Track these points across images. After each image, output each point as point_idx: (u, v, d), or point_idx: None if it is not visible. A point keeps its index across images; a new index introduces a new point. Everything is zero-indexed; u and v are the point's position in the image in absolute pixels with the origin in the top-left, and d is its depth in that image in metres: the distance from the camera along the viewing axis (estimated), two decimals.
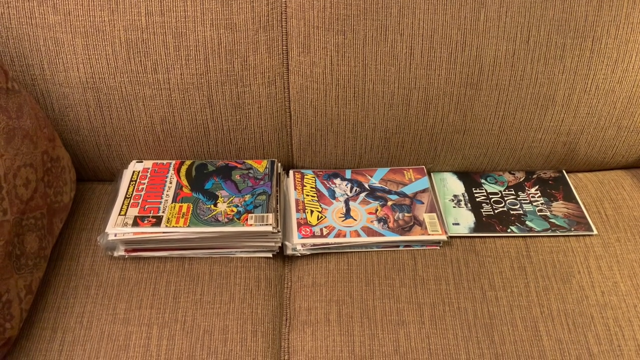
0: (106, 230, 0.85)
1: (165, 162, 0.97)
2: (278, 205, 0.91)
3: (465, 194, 0.99)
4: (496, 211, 0.96)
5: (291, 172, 1.00)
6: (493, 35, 0.87)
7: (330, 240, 0.89)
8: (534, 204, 0.97)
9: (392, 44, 0.87)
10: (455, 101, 0.92)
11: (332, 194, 0.97)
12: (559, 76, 0.91)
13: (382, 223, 0.92)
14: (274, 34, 0.87)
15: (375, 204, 0.95)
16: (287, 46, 0.89)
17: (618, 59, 0.90)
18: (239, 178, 0.94)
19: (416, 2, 0.85)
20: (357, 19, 0.85)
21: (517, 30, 0.87)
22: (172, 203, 0.89)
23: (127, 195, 0.90)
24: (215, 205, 0.89)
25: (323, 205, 0.94)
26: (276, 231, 0.86)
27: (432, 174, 1.03)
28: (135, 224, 0.85)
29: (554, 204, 0.98)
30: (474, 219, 0.95)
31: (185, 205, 0.89)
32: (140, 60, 0.87)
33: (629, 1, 0.86)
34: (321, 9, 0.85)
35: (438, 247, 0.90)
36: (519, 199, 0.98)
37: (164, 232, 0.85)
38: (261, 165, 0.97)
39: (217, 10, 0.85)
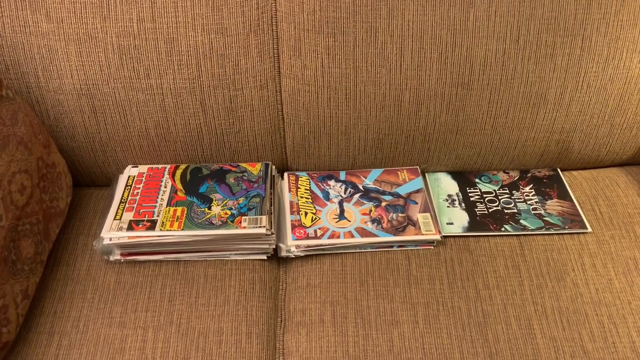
0: (101, 235, 0.86)
1: (160, 166, 0.98)
2: (272, 208, 0.91)
3: (460, 194, 0.99)
4: (490, 210, 0.96)
5: (285, 174, 1.01)
6: (483, 35, 0.87)
7: (324, 241, 0.89)
8: (528, 202, 0.98)
9: (382, 45, 0.87)
10: (447, 101, 0.92)
11: (327, 196, 0.97)
12: (550, 75, 0.91)
13: (375, 224, 0.92)
14: (265, 37, 0.88)
15: (369, 205, 0.95)
16: (278, 49, 0.89)
17: (609, 57, 0.90)
18: (233, 181, 0.95)
19: (405, 4, 0.85)
20: (346, 21, 0.86)
21: (507, 29, 0.87)
22: (166, 207, 0.90)
23: (123, 200, 0.91)
24: (209, 208, 0.90)
25: (317, 207, 0.95)
26: (270, 233, 0.87)
27: (426, 174, 1.03)
28: (130, 228, 0.86)
29: (549, 202, 0.98)
30: (468, 218, 0.95)
31: (179, 209, 0.89)
32: (133, 66, 0.88)
33: None
34: (311, 12, 0.86)
35: (432, 247, 0.91)
36: (513, 197, 0.99)
37: (158, 236, 0.85)
38: (255, 168, 0.98)
39: (208, 15, 0.86)
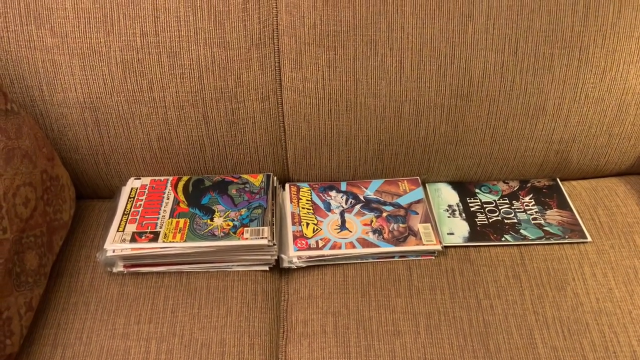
0: (104, 247, 0.87)
1: (162, 178, 0.99)
2: (274, 219, 0.92)
3: (460, 204, 1.00)
4: (490, 220, 0.97)
5: (287, 185, 1.02)
6: (481, 47, 0.88)
7: (325, 252, 0.90)
8: (528, 212, 0.98)
9: (382, 58, 0.89)
10: (447, 112, 0.93)
11: (328, 207, 0.98)
12: (548, 86, 0.92)
13: (377, 234, 0.93)
14: (266, 51, 0.89)
15: (370, 216, 0.96)
16: (279, 63, 0.91)
17: (606, 68, 0.91)
18: (235, 192, 0.96)
19: (404, 17, 0.86)
20: (347, 34, 0.87)
21: (505, 41, 0.88)
22: (169, 218, 0.91)
23: (125, 212, 0.92)
24: (211, 219, 0.90)
25: (319, 218, 0.96)
26: (272, 244, 0.87)
27: (427, 184, 1.04)
28: (133, 240, 0.87)
29: (548, 212, 0.98)
30: (468, 228, 0.96)
31: (182, 221, 0.90)
32: (136, 80, 0.89)
33: (614, 11, 0.88)
34: (312, 26, 0.87)
35: (433, 257, 0.91)
36: (513, 207, 0.99)
37: (161, 248, 0.86)
38: (257, 180, 0.98)
39: (210, 29, 0.87)
